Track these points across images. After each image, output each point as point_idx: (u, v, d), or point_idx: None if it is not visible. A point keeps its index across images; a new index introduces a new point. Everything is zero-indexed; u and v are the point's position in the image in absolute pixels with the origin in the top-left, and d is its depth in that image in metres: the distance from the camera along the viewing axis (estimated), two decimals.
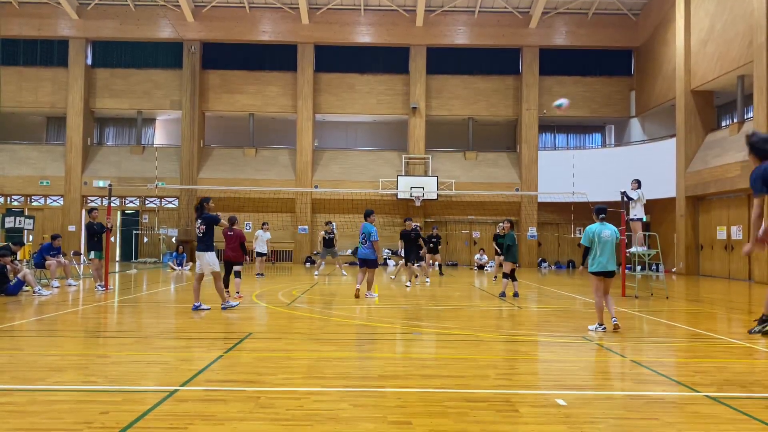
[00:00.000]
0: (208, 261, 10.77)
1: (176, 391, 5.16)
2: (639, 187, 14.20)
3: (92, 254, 14.64)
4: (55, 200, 30.42)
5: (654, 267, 20.77)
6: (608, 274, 8.69)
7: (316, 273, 21.09)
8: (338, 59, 31.01)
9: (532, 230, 30.00)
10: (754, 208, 5.57)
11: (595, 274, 8.71)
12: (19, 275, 13.17)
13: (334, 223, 21.17)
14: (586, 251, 8.74)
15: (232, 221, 13.19)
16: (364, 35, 30.69)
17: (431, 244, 20.33)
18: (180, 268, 23.41)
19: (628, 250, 14.60)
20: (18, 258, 15.34)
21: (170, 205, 30.80)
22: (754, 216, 5.68)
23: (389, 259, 29.15)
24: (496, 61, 31.20)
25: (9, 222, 19.49)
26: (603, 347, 7.61)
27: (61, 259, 15.65)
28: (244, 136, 31.42)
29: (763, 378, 6.17)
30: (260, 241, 19.79)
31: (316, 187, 29.74)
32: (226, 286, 13.09)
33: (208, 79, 30.92)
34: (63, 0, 28.83)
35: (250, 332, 8.42)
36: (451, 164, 30.83)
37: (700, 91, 24.60)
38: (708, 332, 9.03)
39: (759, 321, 8.21)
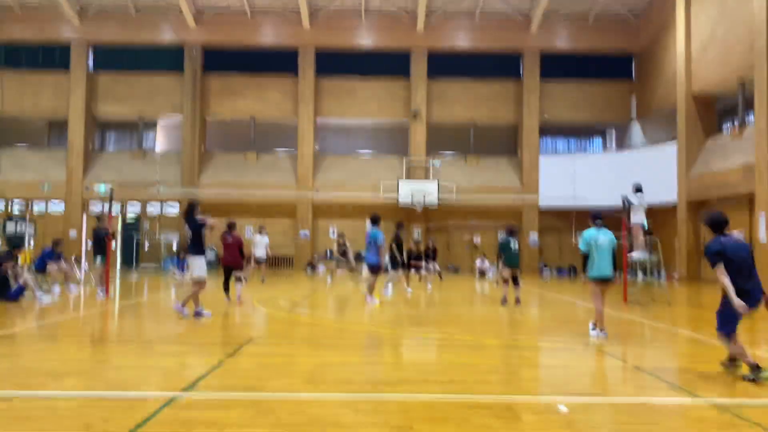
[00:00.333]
0: (192, 265, 10.63)
1: (177, 396, 5.14)
2: (640, 191, 14.16)
3: (97, 259, 14.70)
4: (56, 205, 30.43)
5: (656, 273, 20.74)
6: (607, 280, 8.66)
7: (329, 280, 21.12)
8: (339, 63, 31.06)
9: (534, 235, 29.96)
10: (719, 277, 6.46)
11: (593, 279, 8.66)
12: (20, 281, 13.15)
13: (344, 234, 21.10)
14: (586, 257, 8.69)
15: (231, 226, 13.17)
16: (365, 39, 30.74)
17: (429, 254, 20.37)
18: (182, 273, 23.37)
19: (629, 256, 14.57)
20: (19, 263, 15.33)
21: (172, 210, 30.77)
22: (724, 282, 6.42)
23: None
24: (497, 65, 31.25)
25: (10, 227, 19.51)
26: (605, 353, 7.60)
27: (63, 264, 15.63)
28: (245, 141, 31.45)
29: (766, 384, 6.15)
30: (259, 246, 19.08)
31: (317, 191, 29.74)
32: (227, 291, 13.10)
33: (209, 84, 30.97)
34: (65, 4, 28.91)
35: (251, 338, 8.41)
36: (452, 169, 30.83)
37: (701, 95, 24.61)
38: (710, 338, 9.00)
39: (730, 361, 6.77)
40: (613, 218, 16.58)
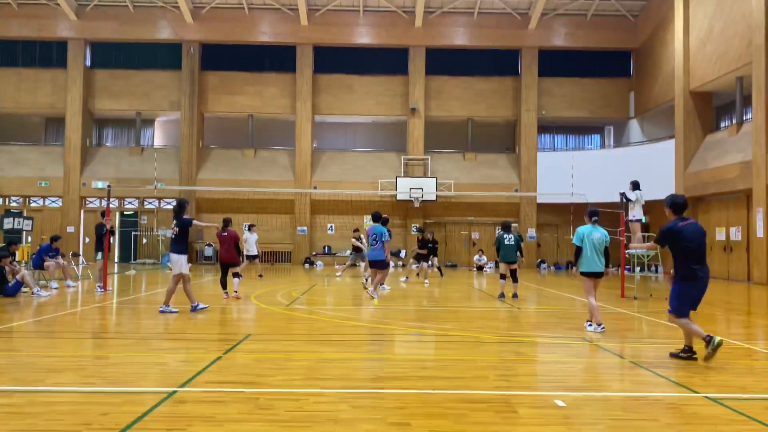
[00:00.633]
0: (175, 262, 10.61)
1: (175, 392, 5.15)
2: (637, 188, 14.20)
3: (100, 255, 14.87)
4: (53, 201, 30.40)
5: (653, 268, 20.85)
6: (597, 275, 8.89)
7: (338, 275, 21.19)
8: (337, 60, 31.02)
9: (531, 231, 30.00)
10: (637, 245, 7.02)
11: (584, 274, 8.90)
12: (18, 276, 13.15)
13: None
14: (578, 251, 8.90)
15: (226, 222, 13.21)
16: (363, 36, 30.70)
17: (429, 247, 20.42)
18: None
19: (627, 252, 14.61)
20: (17, 259, 15.33)
21: (169, 206, 30.75)
22: (646, 246, 7.00)
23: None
24: (495, 62, 31.22)
25: (8, 223, 19.48)
26: (602, 348, 7.61)
27: (60, 260, 15.63)
28: (243, 137, 31.41)
29: (762, 379, 6.18)
30: (250, 244, 19.05)
31: (315, 188, 29.74)
32: (224, 287, 13.14)
33: (207, 80, 30.92)
34: (62, 1, 28.81)
35: (249, 333, 8.42)
36: (450, 165, 30.84)
37: (699, 92, 24.62)
38: (707, 333, 9.02)
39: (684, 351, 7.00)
40: (612, 214, 16.63)
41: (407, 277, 19.57)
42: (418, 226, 20.37)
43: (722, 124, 25.87)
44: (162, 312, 10.35)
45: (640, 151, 28.40)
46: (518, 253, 13.54)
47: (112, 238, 15.61)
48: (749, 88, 21.10)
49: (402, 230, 29.25)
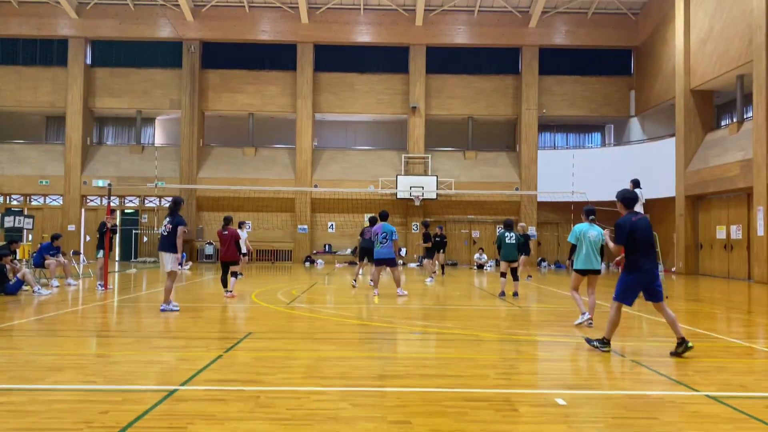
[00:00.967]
0: (166, 261, 10.60)
1: (176, 390, 5.15)
2: (638, 186, 14.18)
3: (100, 253, 14.97)
4: (54, 200, 30.41)
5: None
6: (593, 272, 9.18)
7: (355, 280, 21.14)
8: (338, 59, 31.01)
9: (532, 230, 29.94)
10: (609, 242, 7.25)
11: (578, 271, 9.19)
12: (19, 275, 13.16)
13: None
14: (573, 248, 9.20)
15: (227, 221, 13.20)
16: (364, 35, 30.68)
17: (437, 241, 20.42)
18: (180, 267, 23.38)
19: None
20: (17, 257, 15.35)
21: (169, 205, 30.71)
22: (613, 249, 7.17)
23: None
24: (495, 61, 31.21)
25: (8, 221, 19.49)
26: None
27: (61, 258, 15.64)
28: (243, 136, 31.41)
29: (763, 377, 6.18)
30: (241, 241, 19.25)
31: (315, 186, 29.74)
32: (225, 285, 13.15)
33: (207, 79, 30.91)
34: None
35: (249, 332, 8.42)
36: (450, 164, 30.84)
37: (700, 90, 24.60)
38: (707, 332, 9.04)
39: (601, 342, 7.16)
40: (612, 213, 16.63)
41: (432, 277, 19.14)
42: (427, 221, 20.35)
43: (723, 123, 25.86)
44: (163, 311, 10.36)
45: (641, 149, 28.39)
46: (523, 251, 13.68)
47: (113, 237, 15.63)
48: (750, 87, 21.08)
49: (403, 228, 29.24)
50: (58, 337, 8.09)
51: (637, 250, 6.92)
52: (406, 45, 30.72)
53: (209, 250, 29.33)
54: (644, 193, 14.31)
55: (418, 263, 22.14)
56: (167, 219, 10.77)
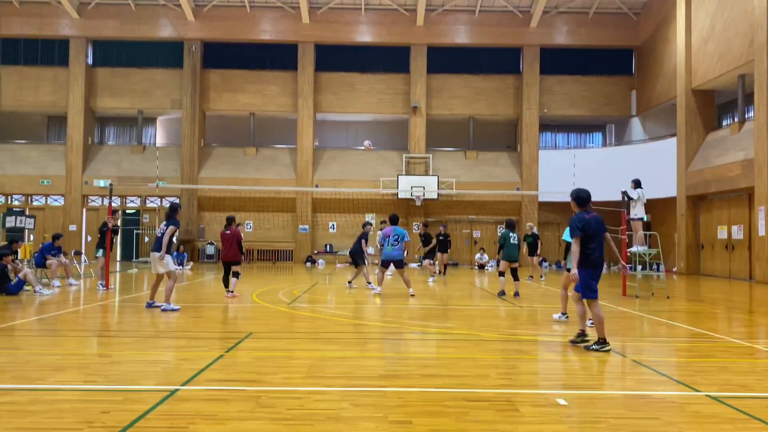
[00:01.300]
0: (164, 260, 10.69)
1: (177, 390, 5.16)
2: (639, 186, 14.19)
3: (99, 252, 15.05)
4: (55, 200, 30.43)
5: (655, 267, 20.82)
6: None
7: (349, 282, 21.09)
8: (339, 58, 31.01)
9: (534, 230, 29.95)
10: (574, 246, 7.33)
11: (570, 270, 9.24)
12: (20, 275, 13.18)
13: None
14: (569, 246, 9.28)
15: (230, 221, 13.19)
16: (365, 34, 30.68)
17: (441, 240, 20.44)
18: (180, 267, 23.41)
19: (629, 250, 14.60)
20: (19, 257, 15.36)
21: None
22: (575, 251, 7.30)
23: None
24: (496, 61, 31.20)
25: (10, 221, 19.50)
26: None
27: (62, 258, 15.66)
28: (244, 136, 31.42)
29: (764, 377, 6.17)
30: None
31: (316, 186, 29.74)
32: (227, 285, 13.15)
33: (208, 79, 30.93)
34: None
35: (250, 332, 8.42)
36: (451, 163, 30.84)
37: (701, 90, 24.58)
38: (709, 332, 9.03)
39: (580, 335, 7.54)
40: (614, 213, 16.62)
41: (433, 276, 19.32)
42: (426, 222, 20.42)
43: (724, 122, 25.84)
44: (164, 310, 10.37)
45: (642, 149, 28.37)
46: (534, 251, 13.84)
47: (114, 237, 15.64)
48: (751, 86, 21.07)
49: (404, 229, 29.17)
50: (60, 337, 8.10)
51: (591, 246, 7.25)
52: (407, 45, 30.72)
53: (210, 250, 29.34)
54: (645, 193, 14.33)
55: (419, 264, 22.11)
56: (164, 223, 10.89)
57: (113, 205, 17.15)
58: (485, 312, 11.42)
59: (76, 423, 4.25)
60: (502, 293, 13.77)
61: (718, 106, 25.78)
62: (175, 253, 24.75)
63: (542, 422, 4.46)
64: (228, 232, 13.01)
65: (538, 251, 19.98)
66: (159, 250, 10.61)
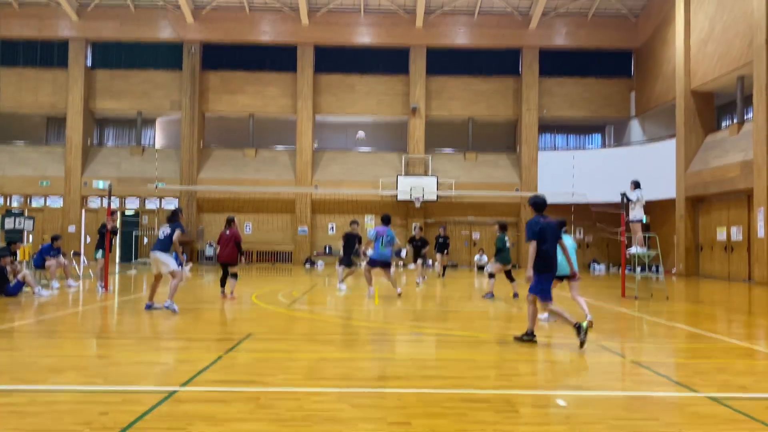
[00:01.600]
0: (165, 261, 10.69)
1: (176, 391, 5.15)
2: (638, 187, 14.19)
3: (99, 253, 15.05)
4: (55, 201, 30.42)
5: (654, 268, 20.83)
6: (568, 277, 9.73)
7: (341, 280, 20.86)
8: (338, 60, 31.04)
9: None
10: (531, 250, 7.57)
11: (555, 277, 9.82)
12: (19, 276, 13.15)
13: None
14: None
15: (229, 222, 13.12)
16: (364, 36, 30.70)
17: (439, 242, 20.40)
18: (180, 268, 23.37)
19: (628, 251, 14.60)
20: (18, 259, 15.34)
21: (170, 207, 30.79)
22: (531, 255, 7.56)
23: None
24: (495, 62, 31.22)
25: (9, 223, 19.46)
26: (603, 348, 7.61)
27: (61, 259, 15.64)
28: (244, 137, 31.43)
29: (763, 378, 6.18)
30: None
31: (316, 187, 29.74)
32: (223, 285, 13.09)
33: (208, 80, 30.94)
34: (63, 1, 28.84)
35: (249, 333, 8.42)
36: (451, 165, 30.85)
37: (700, 91, 24.61)
38: (708, 333, 9.04)
39: (528, 334, 7.85)
40: (613, 214, 16.63)
41: (423, 278, 18.98)
42: (419, 225, 20.26)
43: (723, 124, 25.87)
44: (166, 307, 10.34)
45: (641, 150, 28.39)
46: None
47: (113, 238, 15.62)
48: (750, 88, 21.09)
49: (403, 230, 29.23)
50: (59, 338, 8.09)
51: (547, 250, 7.51)
52: (406, 46, 30.74)
53: (210, 251, 29.33)
54: (644, 195, 14.32)
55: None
56: (166, 225, 10.90)
57: (112, 206, 17.11)
58: (484, 313, 11.41)
59: (74, 424, 4.25)
60: (490, 295, 13.67)
61: (717, 107, 25.80)
62: (174, 254, 24.82)
63: (541, 423, 4.46)
64: (228, 232, 12.95)
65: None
66: (161, 250, 10.64)
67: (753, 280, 20.69)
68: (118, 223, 29.32)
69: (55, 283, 14.77)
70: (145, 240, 30.17)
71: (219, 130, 32.28)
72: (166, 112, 31.34)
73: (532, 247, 7.50)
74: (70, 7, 29.37)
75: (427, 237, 21.59)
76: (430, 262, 25.20)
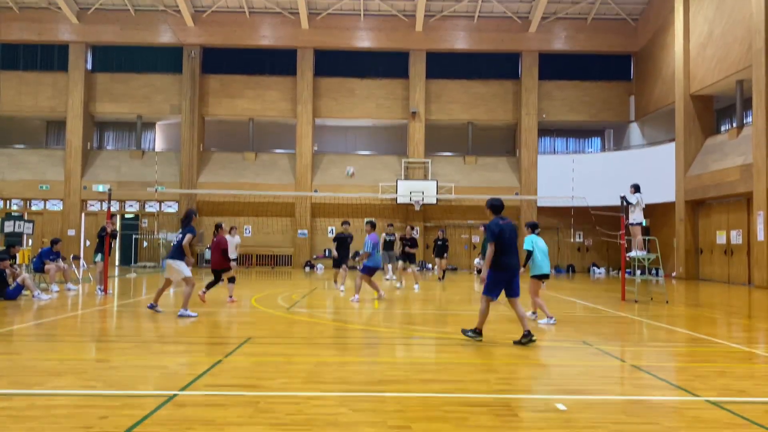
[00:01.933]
0: (178, 268, 10.67)
1: (175, 395, 5.15)
2: (638, 191, 14.20)
3: (98, 257, 15.16)
4: (54, 204, 30.41)
5: (654, 271, 20.85)
6: (547, 277, 10.33)
7: (387, 277, 20.69)
8: (338, 64, 31.06)
9: None
10: (489, 250, 7.89)
11: (535, 277, 10.28)
12: (18, 280, 13.15)
13: (392, 225, 19.46)
14: (529, 254, 10.11)
15: (217, 228, 13.02)
16: (364, 40, 30.74)
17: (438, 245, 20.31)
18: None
19: (628, 255, 14.60)
20: (17, 262, 15.35)
21: (170, 210, 30.81)
22: (489, 255, 7.88)
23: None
24: (495, 66, 31.26)
25: (8, 226, 19.48)
26: (602, 352, 7.61)
27: (61, 263, 15.63)
28: (243, 141, 31.44)
29: (763, 382, 6.17)
30: (230, 246, 18.80)
31: (315, 191, 29.74)
32: (208, 288, 12.97)
33: (207, 84, 30.97)
34: (63, 5, 28.88)
35: (249, 337, 8.41)
36: (450, 168, 30.86)
37: (700, 95, 24.64)
38: (708, 337, 9.03)
39: (475, 332, 8.18)
40: (612, 218, 16.63)
41: (400, 283, 18.27)
42: (410, 225, 19.89)
43: (723, 128, 25.89)
44: (180, 316, 10.31)
45: (641, 154, 28.40)
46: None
47: (113, 242, 15.62)
48: (749, 92, 21.11)
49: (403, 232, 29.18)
50: (58, 342, 8.08)
51: (503, 251, 7.84)
52: (406, 50, 30.78)
53: (209, 255, 29.25)
54: (644, 198, 14.33)
55: (419, 268, 22.04)
56: (180, 230, 10.92)
57: (112, 209, 17.11)
58: None
59: (73, 428, 4.24)
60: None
61: (717, 111, 25.83)
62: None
63: (541, 427, 4.45)
64: (215, 239, 12.89)
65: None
66: (176, 258, 10.66)
67: (753, 284, 20.68)
68: (117, 227, 29.28)
69: (55, 287, 14.76)
70: (145, 244, 30.17)
71: (219, 134, 32.30)
72: (166, 116, 31.36)
73: (490, 248, 7.77)
74: (71, 11, 29.41)
75: (427, 240, 21.45)
76: (429, 265, 25.12)
